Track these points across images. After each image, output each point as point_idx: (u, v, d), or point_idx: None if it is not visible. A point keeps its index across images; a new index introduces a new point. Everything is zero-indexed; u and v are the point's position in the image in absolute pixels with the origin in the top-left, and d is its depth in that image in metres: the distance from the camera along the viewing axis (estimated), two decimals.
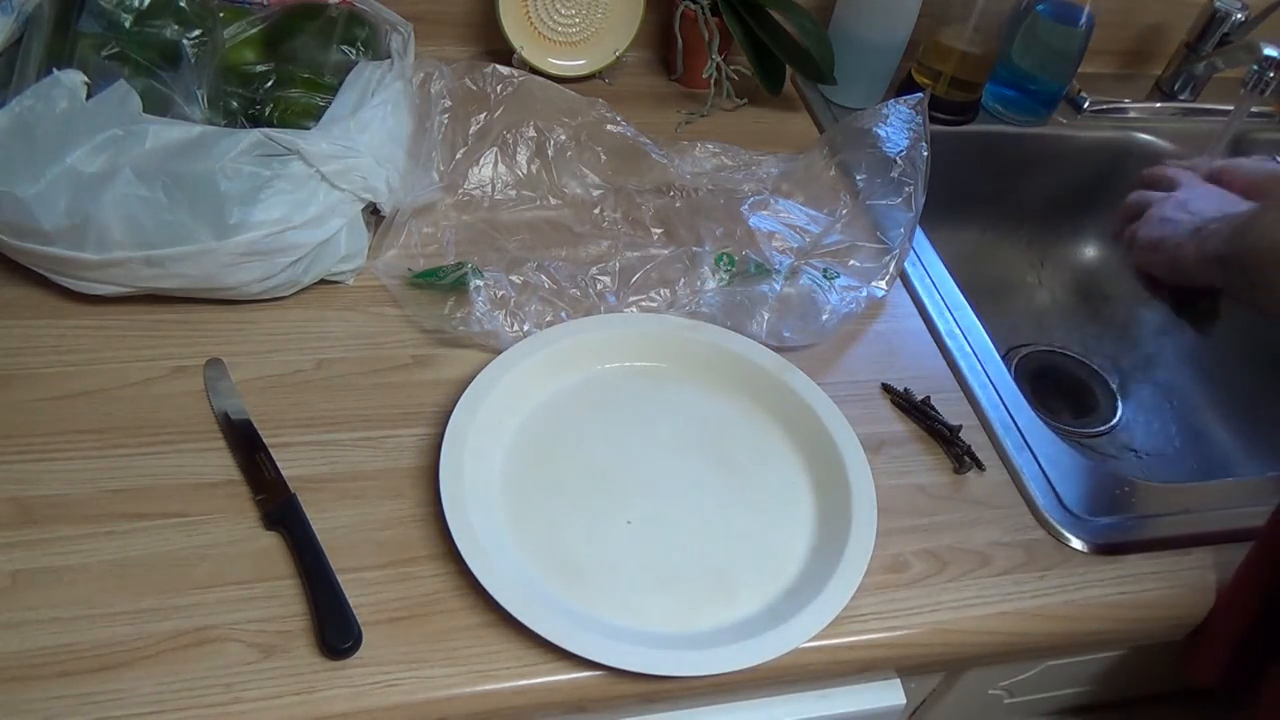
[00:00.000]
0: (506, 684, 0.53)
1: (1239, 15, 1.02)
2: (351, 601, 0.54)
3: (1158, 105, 1.10)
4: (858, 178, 0.84)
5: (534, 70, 0.91)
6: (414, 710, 0.51)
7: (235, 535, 0.56)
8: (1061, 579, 0.62)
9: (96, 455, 0.59)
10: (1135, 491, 0.68)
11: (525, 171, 0.81)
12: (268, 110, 0.69)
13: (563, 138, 0.81)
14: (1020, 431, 0.70)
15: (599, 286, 0.73)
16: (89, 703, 0.49)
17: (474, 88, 0.79)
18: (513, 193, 0.80)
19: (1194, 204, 0.72)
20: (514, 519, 0.60)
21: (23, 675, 0.49)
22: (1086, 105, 1.07)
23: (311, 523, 0.57)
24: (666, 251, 0.77)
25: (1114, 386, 0.98)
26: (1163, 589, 0.63)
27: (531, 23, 0.92)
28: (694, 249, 0.76)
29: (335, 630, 0.52)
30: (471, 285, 0.69)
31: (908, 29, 0.96)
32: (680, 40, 0.95)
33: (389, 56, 0.73)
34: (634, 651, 0.53)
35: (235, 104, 0.69)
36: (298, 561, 0.55)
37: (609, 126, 0.81)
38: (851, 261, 0.79)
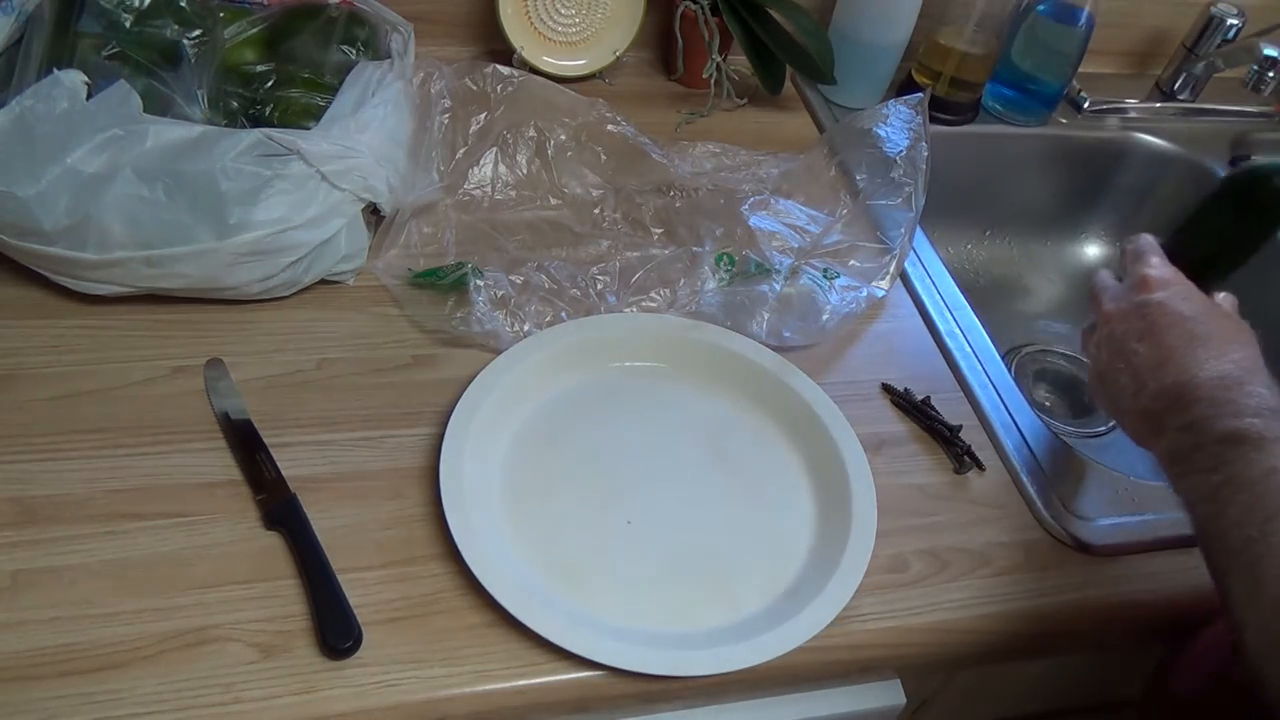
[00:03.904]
0: (506, 684, 0.53)
1: (1234, 22, 1.02)
2: (352, 601, 0.54)
3: (1158, 105, 1.10)
4: (858, 178, 0.84)
5: (534, 70, 0.91)
6: (414, 710, 0.51)
7: (235, 535, 0.56)
8: (1061, 579, 0.63)
9: (97, 455, 0.59)
10: (1135, 491, 0.68)
11: (525, 171, 0.81)
12: (268, 110, 0.69)
13: (563, 138, 0.81)
14: (1020, 431, 0.70)
15: (599, 286, 0.73)
16: (89, 702, 0.49)
17: (474, 88, 0.79)
18: (513, 193, 0.80)
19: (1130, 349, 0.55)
20: (514, 519, 0.60)
21: (23, 675, 0.49)
22: (1086, 105, 1.07)
23: (312, 523, 0.57)
24: (666, 251, 0.77)
25: None
26: (1163, 589, 0.63)
27: (531, 23, 0.92)
28: (694, 249, 0.76)
29: (335, 630, 0.52)
30: (472, 285, 0.69)
31: (907, 29, 0.96)
32: (680, 40, 0.94)
33: (389, 56, 0.73)
34: (634, 651, 0.53)
35: (235, 104, 0.69)
36: (298, 561, 0.55)
37: (609, 126, 0.81)
38: (851, 261, 0.79)
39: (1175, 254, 0.59)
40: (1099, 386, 0.58)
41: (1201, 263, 0.59)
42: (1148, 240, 0.59)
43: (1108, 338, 0.56)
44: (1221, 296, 0.58)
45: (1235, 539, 0.44)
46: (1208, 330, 0.52)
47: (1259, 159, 0.58)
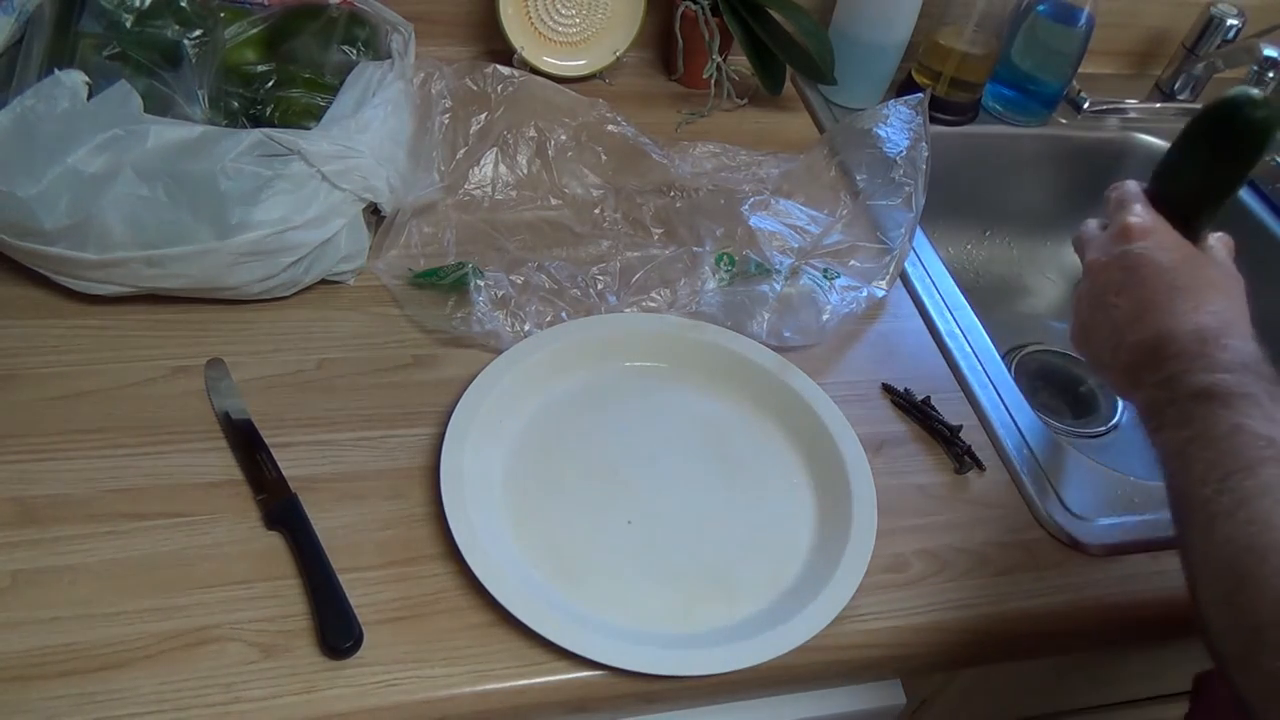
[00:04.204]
0: (507, 684, 0.53)
1: (1234, 22, 1.02)
2: (352, 601, 0.54)
3: (1158, 105, 1.10)
4: (858, 178, 0.84)
5: (534, 70, 0.91)
6: (415, 710, 0.51)
7: (236, 535, 0.56)
8: (1061, 579, 0.63)
9: (97, 455, 0.59)
10: (1135, 491, 0.68)
11: (525, 171, 0.81)
12: (268, 110, 0.69)
13: (563, 138, 0.81)
14: (1020, 431, 0.70)
15: (599, 286, 0.73)
16: (89, 702, 0.49)
17: (474, 88, 0.79)
18: (513, 193, 0.80)
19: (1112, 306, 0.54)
20: (515, 519, 0.60)
21: (23, 675, 0.49)
22: (1086, 105, 1.07)
23: (312, 522, 0.57)
24: (667, 251, 0.77)
25: None
26: (1162, 589, 0.63)
27: (532, 23, 0.92)
28: (694, 249, 0.76)
29: (336, 630, 0.52)
30: (472, 285, 0.69)
31: (907, 29, 0.96)
32: (680, 40, 0.95)
33: (389, 57, 0.73)
34: (634, 651, 0.53)
35: (236, 104, 0.69)
36: (298, 561, 0.55)
37: (609, 126, 0.82)
38: (852, 261, 0.79)
39: (1157, 197, 0.57)
40: (1082, 339, 0.57)
41: (1184, 204, 0.57)
42: (1131, 187, 0.58)
43: (1089, 290, 0.55)
44: (1216, 237, 0.57)
45: (1196, 497, 0.45)
46: (1188, 281, 0.51)
47: (1234, 90, 0.54)
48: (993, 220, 1.08)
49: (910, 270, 0.82)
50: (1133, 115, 1.08)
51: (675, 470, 0.65)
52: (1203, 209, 0.57)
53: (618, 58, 0.96)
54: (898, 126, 0.83)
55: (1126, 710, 0.85)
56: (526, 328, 0.69)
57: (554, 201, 0.80)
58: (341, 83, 0.69)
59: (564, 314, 0.71)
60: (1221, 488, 0.44)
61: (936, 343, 0.77)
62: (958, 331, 0.77)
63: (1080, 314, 0.57)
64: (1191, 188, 0.57)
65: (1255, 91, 0.54)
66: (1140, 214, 0.55)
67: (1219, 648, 0.43)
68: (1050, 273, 1.10)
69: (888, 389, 0.72)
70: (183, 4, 0.67)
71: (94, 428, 0.60)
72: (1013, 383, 0.74)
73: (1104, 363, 0.55)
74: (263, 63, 0.71)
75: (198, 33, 0.67)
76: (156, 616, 0.52)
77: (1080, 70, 1.02)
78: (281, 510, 0.57)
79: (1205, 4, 1.04)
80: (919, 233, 0.84)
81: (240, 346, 0.66)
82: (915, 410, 0.70)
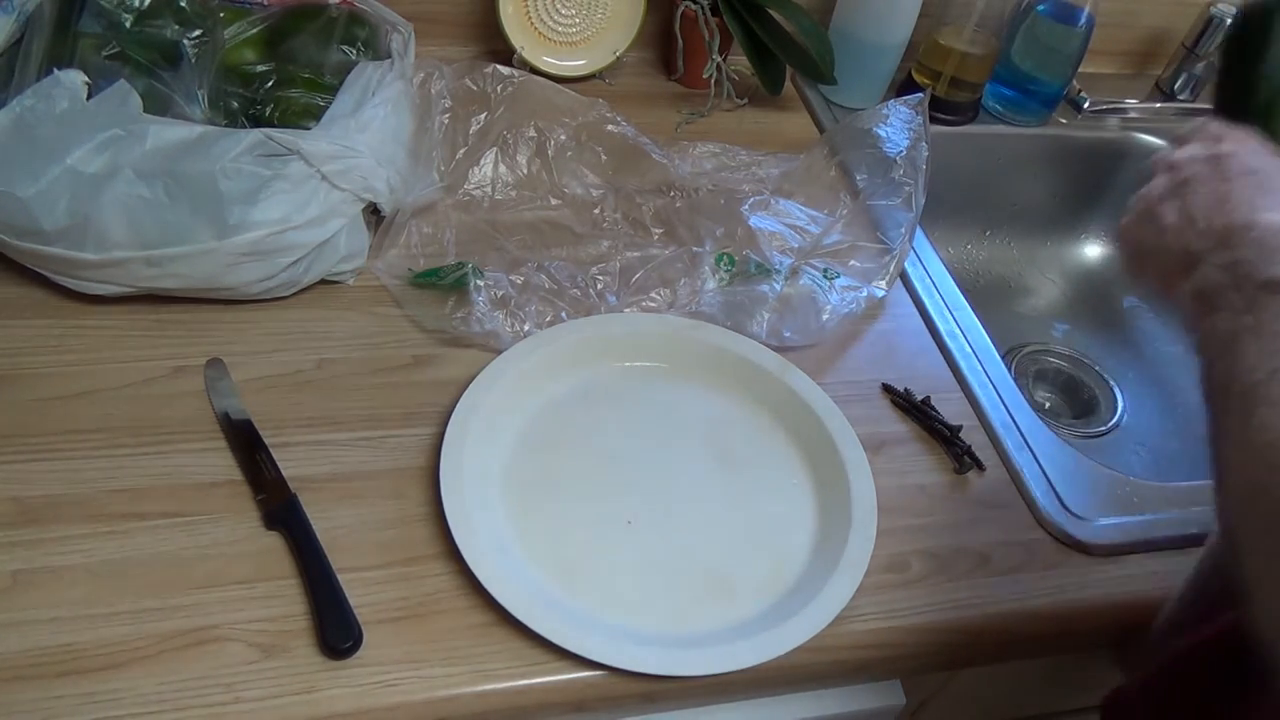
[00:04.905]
0: (507, 684, 0.53)
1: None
2: (352, 601, 0.54)
3: (1158, 105, 1.10)
4: (858, 178, 0.84)
5: (534, 70, 0.91)
6: (415, 710, 0.51)
7: (236, 535, 0.56)
8: (1061, 579, 0.63)
9: (96, 455, 0.59)
10: (1135, 491, 0.68)
11: (525, 171, 0.81)
12: (268, 110, 0.69)
13: (563, 138, 0.81)
14: (1020, 431, 0.70)
15: (599, 286, 0.73)
16: (89, 702, 0.49)
17: (474, 88, 0.79)
18: (513, 193, 0.80)
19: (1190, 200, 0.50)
20: (515, 519, 0.60)
21: (23, 675, 0.49)
22: (1086, 105, 1.07)
23: (312, 522, 0.57)
24: (667, 251, 0.77)
25: (1114, 386, 0.98)
26: (1163, 589, 0.63)
27: (532, 23, 0.92)
28: (694, 249, 0.76)
29: (336, 630, 0.52)
30: (472, 285, 0.69)
31: (907, 29, 0.96)
32: (680, 40, 0.95)
33: (389, 56, 0.73)
34: (634, 651, 0.53)
35: (235, 104, 0.69)
36: (298, 561, 0.55)
37: (609, 126, 0.81)
38: (851, 261, 0.79)
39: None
40: (1137, 229, 0.53)
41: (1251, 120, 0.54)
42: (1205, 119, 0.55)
43: (1166, 181, 0.52)
44: None
45: (1241, 384, 0.41)
46: (1276, 184, 0.48)
47: None
48: (993, 220, 1.08)
49: (910, 270, 0.82)
50: (1133, 115, 1.08)
51: (675, 470, 0.65)
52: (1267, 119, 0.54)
53: (618, 58, 0.96)
54: (898, 126, 0.83)
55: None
56: (526, 328, 0.69)
57: (554, 201, 0.80)
58: (341, 83, 0.69)
59: (564, 314, 0.71)
60: (1272, 378, 0.40)
61: (936, 343, 0.77)
62: (958, 331, 0.77)
63: (1146, 201, 0.52)
64: (1247, 99, 0.54)
65: None
66: (1225, 125, 0.53)
67: (1239, 539, 0.40)
68: (1050, 273, 1.10)
69: (888, 389, 0.72)
70: (182, 4, 0.67)
71: (94, 428, 0.60)
72: (1013, 383, 0.74)
73: (1155, 246, 0.51)
74: (262, 63, 0.70)
75: (197, 33, 0.67)
76: (156, 616, 0.52)
77: (1080, 70, 1.02)
78: (281, 510, 0.57)
79: (1205, 4, 1.04)
80: (919, 233, 0.84)
81: (240, 346, 0.66)
82: (915, 410, 0.70)
